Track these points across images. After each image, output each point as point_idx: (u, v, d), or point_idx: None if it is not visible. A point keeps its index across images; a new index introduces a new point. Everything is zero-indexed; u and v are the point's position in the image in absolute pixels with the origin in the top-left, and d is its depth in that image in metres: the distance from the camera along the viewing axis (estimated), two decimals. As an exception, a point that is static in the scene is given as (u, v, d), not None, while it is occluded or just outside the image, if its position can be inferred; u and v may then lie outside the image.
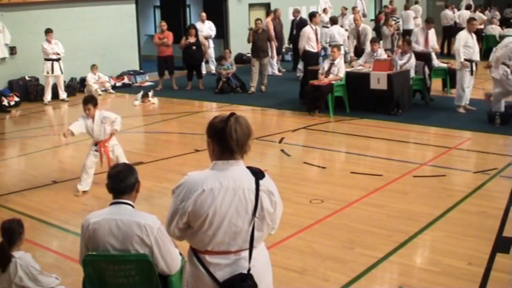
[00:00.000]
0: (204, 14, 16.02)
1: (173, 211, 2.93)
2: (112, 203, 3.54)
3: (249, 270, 2.89)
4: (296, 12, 16.37)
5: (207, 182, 2.88)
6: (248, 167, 2.96)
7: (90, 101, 6.94)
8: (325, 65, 11.36)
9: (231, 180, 2.88)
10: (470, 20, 10.97)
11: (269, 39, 14.08)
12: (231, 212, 2.88)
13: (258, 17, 14.70)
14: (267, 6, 19.33)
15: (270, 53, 14.30)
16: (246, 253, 2.92)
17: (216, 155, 2.96)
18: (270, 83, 14.70)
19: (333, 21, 15.07)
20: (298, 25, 15.35)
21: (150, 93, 13.14)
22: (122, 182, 3.49)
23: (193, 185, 2.88)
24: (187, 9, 19.48)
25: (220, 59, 14.45)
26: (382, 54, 11.74)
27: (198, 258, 2.95)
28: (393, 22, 15.66)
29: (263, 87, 13.72)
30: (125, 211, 3.47)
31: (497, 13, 22.36)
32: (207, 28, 15.63)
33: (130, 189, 3.53)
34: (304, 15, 16.95)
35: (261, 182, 2.93)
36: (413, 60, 11.37)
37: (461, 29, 12.31)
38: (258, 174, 2.94)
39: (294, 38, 15.43)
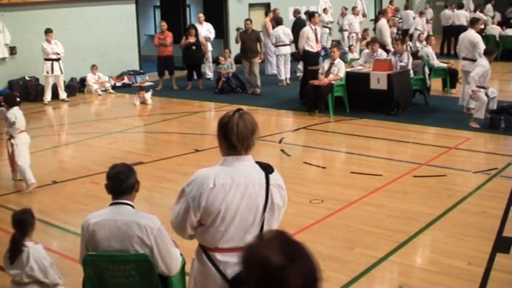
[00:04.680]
0: (202, 16, 15.57)
1: (185, 209, 2.92)
2: (112, 204, 3.53)
3: None
4: (296, 12, 16.23)
5: (218, 177, 2.88)
6: (257, 162, 2.99)
7: None
8: (325, 64, 11.36)
9: (241, 175, 2.90)
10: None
11: (258, 40, 13.80)
12: (243, 208, 2.89)
13: (247, 17, 14.55)
14: (267, 6, 19.32)
15: (258, 53, 13.74)
16: None
17: (224, 150, 2.98)
18: (270, 83, 14.71)
19: (278, 22, 15.10)
20: (294, 25, 15.34)
21: (148, 93, 13.05)
22: (122, 183, 3.48)
23: (205, 181, 2.88)
24: (187, 9, 19.49)
25: (217, 58, 14.44)
26: (382, 54, 11.73)
27: (207, 256, 2.95)
28: (396, 20, 15.67)
29: (258, 90, 13.41)
30: (125, 211, 3.47)
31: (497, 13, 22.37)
32: (205, 30, 15.22)
33: (130, 190, 3.53)
34: (303, 15, 16.94)
35: (270, 176, 2.95)
36: (410, 60, 11.38)
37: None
38: (267, 168, 2.97)
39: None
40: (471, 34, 10.87)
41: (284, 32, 14.65)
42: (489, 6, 22.09)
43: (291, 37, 14.61)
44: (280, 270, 1.67)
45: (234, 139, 2.88)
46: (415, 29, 19.17)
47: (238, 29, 14.82)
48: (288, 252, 1.71)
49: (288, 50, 14.84)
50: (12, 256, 4.27)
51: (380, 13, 20.45)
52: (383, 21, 13.14)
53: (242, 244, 2.91)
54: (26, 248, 4.26)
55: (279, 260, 1.67)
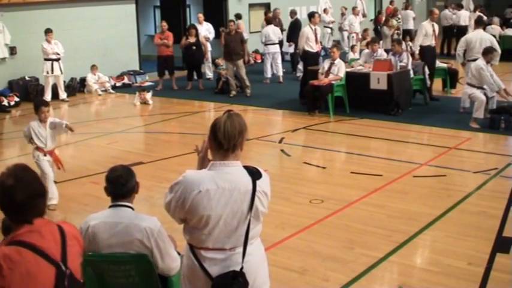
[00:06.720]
0: (201, 16, 15.58)
1: (173, 205, 2.96)
2: (111, 206, 3.52)
3: (241, 268, 2.91)
4: (293, 13, 16.17)
5: (204, 183, 2.90)
6: (245, 167, 2.99)
7: (47, 104, 6.66)
8: (325, 64, 11.35)
9: (226, 181, 2.91)
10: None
11: (242, 41, 13.50)
12: (227, 213, 2.91)
13: (231, 18, 14.46)
14: (267, 6, 19.32)
15: (242, 56, 13.41)
16: (240, 249, 2.95)
17: (213, 152, 3.00)
18: (270, 83, 14.71)
19: (267, 21, 15.36)
20: (291, 26, 15.37)
21: (148, 93, 13.06)
22: (123, 187, 3.47)
23: (190, 186, 2.91)
24: (187, 9, 19.50)
25: (215, 59, 14.41)
26: (382, 54, 11.73)
27: (193, 252, 2.99)
28: (394, 22, 15.66)
29: (248, 91, 13.19)
30: (125, 214, 3.46)
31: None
32: (204, 30, 15.18)
33: (130, 193, 3.52)
34: (303, 15, 16.91)
35: (257, 182, 2.95)
36: (410, 60, 11.35)
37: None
38: (254, 174, 2.97)
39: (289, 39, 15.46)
40: (486, 34, 10.87)
41: (274, 31, 14.92)
42: None
43: (280, 36, 15.03)
44: (10, 189, 2.44)
45: (220, 137, 2.91)
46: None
47: (222, 31, 14.70)
48: (17, 176, 2.47)
49: (276, 48, 15.03)
50: None
51: (380, 13, 20.49)
52: (425, 23, 12.35)
53: (227, 246, 2.94)
54: None
55: (10, 182, 2.45)
